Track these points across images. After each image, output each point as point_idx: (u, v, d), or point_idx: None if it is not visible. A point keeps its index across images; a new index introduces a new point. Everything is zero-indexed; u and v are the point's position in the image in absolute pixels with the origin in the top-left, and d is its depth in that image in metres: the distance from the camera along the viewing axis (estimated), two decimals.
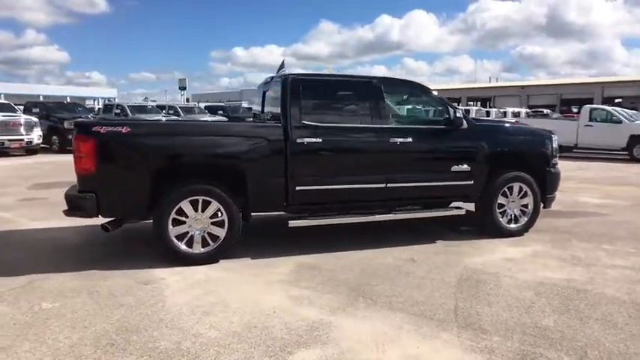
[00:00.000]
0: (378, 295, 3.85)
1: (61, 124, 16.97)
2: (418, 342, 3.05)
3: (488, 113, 27.99)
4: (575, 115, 44.42)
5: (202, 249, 4.56)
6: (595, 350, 2.95)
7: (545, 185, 5.72)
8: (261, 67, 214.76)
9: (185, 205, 4.47)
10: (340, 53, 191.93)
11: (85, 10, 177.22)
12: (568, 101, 49.48)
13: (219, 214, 4.56)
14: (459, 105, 26.40)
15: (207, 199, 4.51)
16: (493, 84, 60.98)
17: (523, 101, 49.67)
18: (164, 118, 17.78)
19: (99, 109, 26.19)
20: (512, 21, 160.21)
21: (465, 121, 5.32)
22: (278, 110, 5.03)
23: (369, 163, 5.04)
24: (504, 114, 27.35)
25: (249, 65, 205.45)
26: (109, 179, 4.31)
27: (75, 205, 4.31)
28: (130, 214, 4.63)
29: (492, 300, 3.74)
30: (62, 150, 16.33)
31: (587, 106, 16.04)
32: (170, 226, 4.45)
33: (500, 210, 5.59)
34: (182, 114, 22.89)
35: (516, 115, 26.22)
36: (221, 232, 4.59)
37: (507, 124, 6.70)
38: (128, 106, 21.12)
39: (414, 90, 5.69)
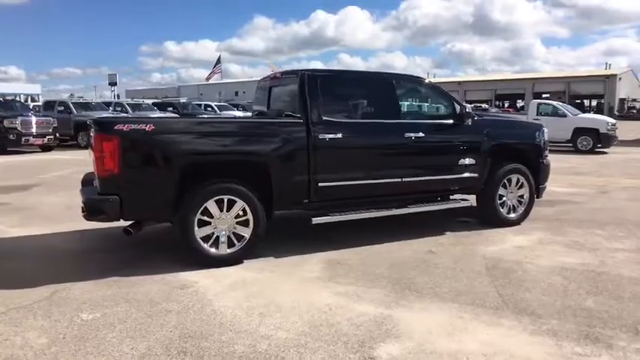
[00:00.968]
0: (421, 287, 3.94)
1: (1, 123, 15.73)
2: (484, 329, 3.17)
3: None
4: (510, 109, 47.09)
5: (228, 250, 4.44)
6: None
7: (539, 176, 6.07)
8: (194, 63, 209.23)
9: (211, 205, 4.34)
10: (276, 49, 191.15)
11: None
12: (502, 96, 52.44)
13: (244, 214, 4.46)
14: None
15: (233, 198, 4.40)
16: (432, 79, 63.14)
17: (460, 96, 51.83)
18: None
19: (37, 106, 24.46)
20: (442, 19, 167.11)
21: (470, 116, 5.53)
22: (288, 107, 5.01)
23: (387, 159, 5.13)
24: None
25: (182, 60, 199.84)
26: (134, 180, 4.09)
27: (97, 209, 4.05)
28: (154, 216, 4.44)
29: (528, 286, 3.94)
30: (3, 151, 15.14)
31: (535, 101, 17.09)
32: (196, 227, 4.30)
33: (501, 201, 5.87)
34: (130, 111, 21.94)
35: None
36: (246, 232, 4.49)
37: (505, 118, 7.06)
38: (72, 103, 19.91)
39: (420, 85, 5.83)
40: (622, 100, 50.96)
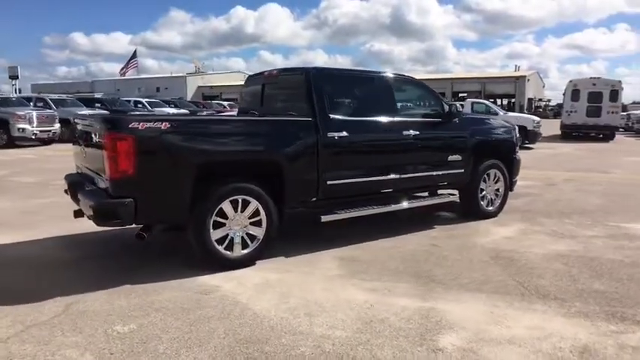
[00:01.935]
0: (442, 278, 4.09)
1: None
2: (523, 315, 3.38)
3: None
4: None
5: (243, 251, 4.33)
6: None
7: (512, 170, 6.51)
8: (106, 56, 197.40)
9: (226, 206, 4.20)
10: (194, 44, 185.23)
11: None
12: None
13: (257, 214, 4.37)
14: None
15: (247, 198, 4.29)
16: None
17: None
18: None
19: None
20: (361, 19, 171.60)
21: (458, 114, 5.82)
22: (290, 106, 5.00)
23: (389, 156, 5.25)
24: None
25: (92, 54, 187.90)
26: (149, 181, 3.85)
27: (111, 213, 3.75)
28: (168, 219, 4.21)
29: (538, 273, 4.24)
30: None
31: (469, 100, 18.18)
32: (211, 229, 4.14)
33: (481, 195, 6.23)
34: (53, 106, 20.30)
35: None
36: (259, 232, 4.40)
37: (485, 118, 7.50)
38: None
39: (411, 84, 6.00)
40: (530, 100, 55.49)
